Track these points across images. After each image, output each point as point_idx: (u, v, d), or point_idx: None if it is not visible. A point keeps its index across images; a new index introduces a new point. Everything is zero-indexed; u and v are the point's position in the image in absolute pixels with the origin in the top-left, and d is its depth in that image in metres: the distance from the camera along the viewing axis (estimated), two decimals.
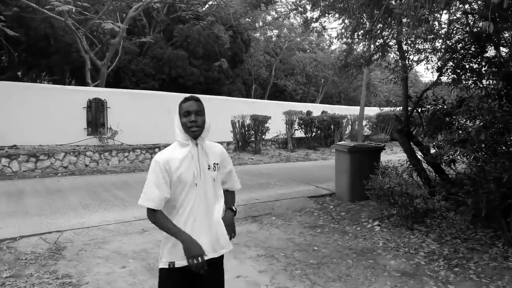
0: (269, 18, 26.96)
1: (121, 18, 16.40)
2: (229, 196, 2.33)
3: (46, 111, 11.18)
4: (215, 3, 20.43)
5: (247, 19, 24.17)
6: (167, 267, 2.09)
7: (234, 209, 2.32)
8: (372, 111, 22.22)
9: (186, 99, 2.17)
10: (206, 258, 2.06)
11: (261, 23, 27.27)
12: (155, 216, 2.06)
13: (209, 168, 2.16)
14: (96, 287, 3.60)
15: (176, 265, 2.08)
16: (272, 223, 5.81)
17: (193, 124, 2.09)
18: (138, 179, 9.03)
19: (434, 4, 3.82)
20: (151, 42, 17.39)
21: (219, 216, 2.20)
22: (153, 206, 2.04)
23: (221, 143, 13.59)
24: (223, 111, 14.59)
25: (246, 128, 14.40)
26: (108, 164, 10.92)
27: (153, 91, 15.26)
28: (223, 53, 19.16)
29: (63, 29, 15.27)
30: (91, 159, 10.65)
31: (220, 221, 2.19)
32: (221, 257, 2.25)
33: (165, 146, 12.88)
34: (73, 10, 13.58)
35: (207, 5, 20.61)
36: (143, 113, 13.16)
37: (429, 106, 6.01)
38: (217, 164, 2.22)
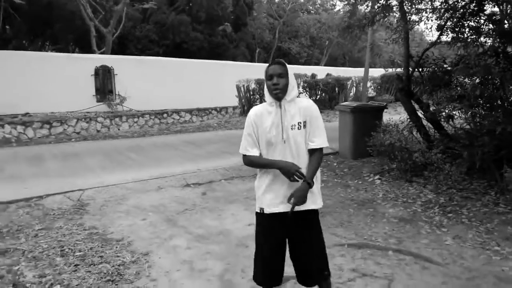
0: None
1: None
2: (312, 160, 2.31)
3: (55, 79, 11.43)
4: None
5: None
6: (259, 211, 2.37)
7: (310, 183, 2.21)
8: (376, 72, 22.15)
9: (270, 63, 2.31)
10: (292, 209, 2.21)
11: None
12: (247, 158, 2.32)
13: (292, 128, 2.26)
14: (121, 236, 3.99)
15: (265, 211, 2.33)
16: None
17: (275, 87, 2.23)
18: (149, 142, 9.37)
19: None
20: (154, 8, 17.29)
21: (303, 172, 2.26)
22: (241, 152, 2.33)
23: (226, 107, 13.61)
24: (228, 76, 14.69)
25: (251, 93, 14.52)
26: (119, 129, 11.26)
27: (159, 57, 15.36)
28: (226, 17, 19.02)
29: None
30: (102, 125, 10.99)
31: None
32: (311, 215, 2.35)
33: (173, 111, 13.03)
34: None
35: None
36: (150, 79, 13.35)
37: (429, 67, 6.15)
38: (302, 122, 2.29)
